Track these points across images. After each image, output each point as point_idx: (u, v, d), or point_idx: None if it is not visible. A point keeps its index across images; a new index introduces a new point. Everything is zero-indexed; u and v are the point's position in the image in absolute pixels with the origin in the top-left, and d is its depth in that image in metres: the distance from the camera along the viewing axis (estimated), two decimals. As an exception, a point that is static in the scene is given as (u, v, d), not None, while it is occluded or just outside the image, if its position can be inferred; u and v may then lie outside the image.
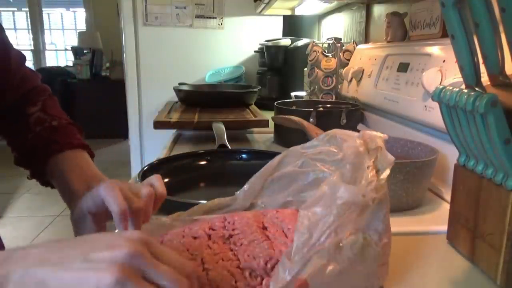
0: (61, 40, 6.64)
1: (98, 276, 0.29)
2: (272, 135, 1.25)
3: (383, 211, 0.41)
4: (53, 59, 6.56)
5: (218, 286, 0.37)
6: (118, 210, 0.44)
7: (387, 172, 0.42)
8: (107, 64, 5.45)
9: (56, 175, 0.60)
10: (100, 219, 0.50)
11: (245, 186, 0.53)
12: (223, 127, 1.14)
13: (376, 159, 0.42)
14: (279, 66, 1.91)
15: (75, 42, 5.70)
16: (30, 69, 0.69)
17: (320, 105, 1.19)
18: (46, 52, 6.48)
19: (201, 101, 1.54)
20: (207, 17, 2.20)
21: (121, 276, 0.29)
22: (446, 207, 0.69)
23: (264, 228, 0.44)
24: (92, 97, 5.07)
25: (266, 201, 0.52)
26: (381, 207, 0.41)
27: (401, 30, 1.10)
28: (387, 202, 0.42)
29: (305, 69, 1.63)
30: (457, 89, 0.48)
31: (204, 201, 0.54)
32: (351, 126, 1.13)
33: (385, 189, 0.41)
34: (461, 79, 0.50)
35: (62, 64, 6.32)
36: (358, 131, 0.47)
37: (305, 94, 1.62)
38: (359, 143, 0.44)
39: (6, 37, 0.63)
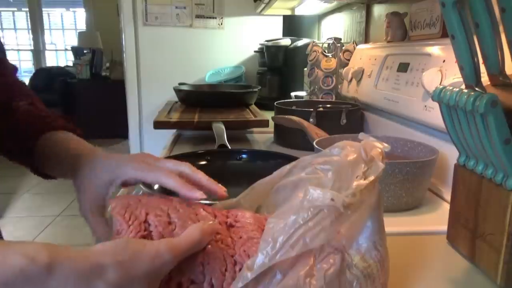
0: (61, 40, 6.65)
1: None
2: (272, 135, 1.25)
3: (368, 224, 0.38)
4: (53, 59, 6.56)
5: (209, 263, 0.37)
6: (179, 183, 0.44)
7: (370, 179, 0.38)
8: (107, 64, 5.45)
9: (50, 149, 0.57)
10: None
11: (249, 191, 0.51)
12: (223, 127, 1.14)
13: (368, 169, 0.39)
14: (279, 66, 1.91)
15: (75, 42, 5.70)
16: (21, 81, 0.69)
17: (320, 105, 1.18)
18: (46, 52, 6.49)
19: (201, 101, 1.54)
20: (207, 17, 2.20)
21: None
22: (446, 207, 0.69)
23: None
24: (92, 97, 5.07)
25: (271, 210, 0.51)
26: (362, 219, 0.38)
27: (401, 30, 1.10)
28: (374, 215, 0.39)
29: (305, 69, 1.63)
30: (457, 89, 0.48)
31: (207, 202, 0.53)
32: (351, 126, 1.13)
33: (365, 195, 0.37)
34: (461, 79, 0.50)
35: (62, 64, 6.32)
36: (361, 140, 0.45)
37: (305, 94, 1.62)
38: (349, 151, 0.42)
39: (2, 45, 0.65)
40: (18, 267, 0.27)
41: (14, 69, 0.69)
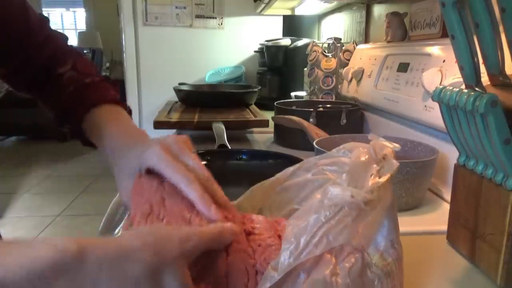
0: (61, 40, 6.64)
1: None
2: (272, 135, 1.25)
3: (384, 223, 0.38)
4: (53, 59, 6.55)
5: (232, 275, 0.36)
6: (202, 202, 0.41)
7: (386, 176, 0.39)
8: (107, 64, 5.45)
9: (94, 131, 0.58)
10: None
11: (249, 193, 0.51)
12: (223, 127, 1.14)
13: (382, 168, 0.40)
14: (279, 66, 1.91)
15: (75, 42, 5.70)
16: (56, 30, 0.68)
17: (320, 105, 1.19)
18: (46, 52, 6.47)
19: (201, 101, 1.54)
20: (207, 17, 2.20)
21: None
22: (446, 207, 0.69)
23: (279, 236, 0.41)
24: (92, 97, 5.06)
25: (274, 212, 0.50)
26: (379, 218, 0.38)
27: (401, 30, 1.10)
28: (389, 214, 0.39)
29: (305, 69, 1.63)
30: (457, 89, 0.48)
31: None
32: (351, 126, 1.13)
33: (382, 193, 0.37)
34: (461, 79, 0.50)
35: (62, 64, 6.31)
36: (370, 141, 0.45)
37: (305, 94, 1.62)
38: (361, 152, 0.42)
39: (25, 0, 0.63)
40: (50, 257, 0.27)
41: (44, 20, 0.66)
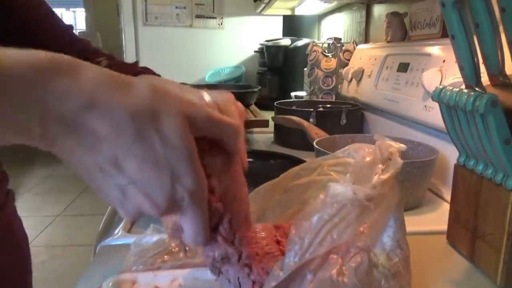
0: (61, 40, 6.64)
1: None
2: (272, 135, 1.25)
3: (390, 223, 0.38)
4: (53, 59, 6.55)
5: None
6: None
7: (390, 172, 0.39)
8: (107, 64, 5.45)
9: None
10: None
11: (253, 195, 0.50)
12: (223, 127, 1.14)
13: (387, 166, 0.40)
14: (279, 66, 1.91)
15: (75, 42, 5.70)
16: (81, 38, 0.71)
17: (320, 105, 1.19)
18: (46, 52, 6.48)
19: (201, 101, 1.54)
20: (207, 17, 2.21)
21: None
22: (446, 207, 0.69)
23: (278, 242, 0.41)
24: (92, 97, 5.06)
25: (278, 214, 0.50)
26: (385, 218, 0.38)
27: (401, 30, 1.10)
28: (395, 213, 0.39)
29: (305, 69, 1.63)
30: (457, 89, 0.48)
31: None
32: (351, 126, 1.13)
33: (386, 190, 0.38)
34: (461, 79, 0.50)
35: (62, 64, 6.31)
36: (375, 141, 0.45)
37: (305, 94, 1.62)
38: (367, 152, 0.42)
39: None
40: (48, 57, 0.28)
41: (69, 26, 0.68)
